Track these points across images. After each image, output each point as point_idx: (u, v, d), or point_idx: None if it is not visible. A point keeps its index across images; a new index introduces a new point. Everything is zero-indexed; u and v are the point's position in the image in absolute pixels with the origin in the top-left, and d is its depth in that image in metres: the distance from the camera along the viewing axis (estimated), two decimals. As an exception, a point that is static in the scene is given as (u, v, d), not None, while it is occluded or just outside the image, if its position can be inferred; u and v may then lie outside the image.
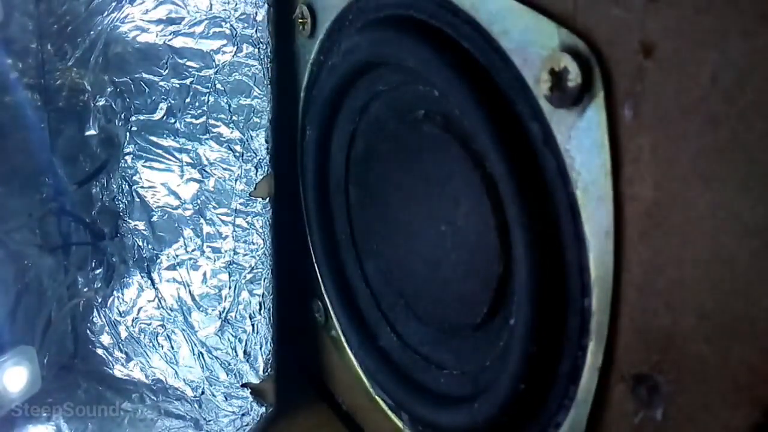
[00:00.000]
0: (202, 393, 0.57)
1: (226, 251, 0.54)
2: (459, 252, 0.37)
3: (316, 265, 0.51)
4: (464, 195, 0.35)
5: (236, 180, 0.52)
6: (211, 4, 0.50)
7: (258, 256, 0.52)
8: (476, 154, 0.34)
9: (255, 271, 0.52)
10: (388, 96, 0.40)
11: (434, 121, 0.37)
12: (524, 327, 0.30)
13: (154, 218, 0.58)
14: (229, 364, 0.55)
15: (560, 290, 0.29)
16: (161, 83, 0.54)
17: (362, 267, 0.46)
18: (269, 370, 0.53)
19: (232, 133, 0.51)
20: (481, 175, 0.33)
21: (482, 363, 0.36)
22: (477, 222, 0.35)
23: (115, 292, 0.61)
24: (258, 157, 0.50)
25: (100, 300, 0.61)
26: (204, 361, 0.57)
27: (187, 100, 0.53)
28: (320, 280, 0.51)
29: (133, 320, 0.60)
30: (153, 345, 0.59)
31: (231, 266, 0.54)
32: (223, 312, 0.55)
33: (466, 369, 0.38)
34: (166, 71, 0.53)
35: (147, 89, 0.55)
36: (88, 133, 0.58)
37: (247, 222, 0.52)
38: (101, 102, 0.57)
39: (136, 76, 0.55)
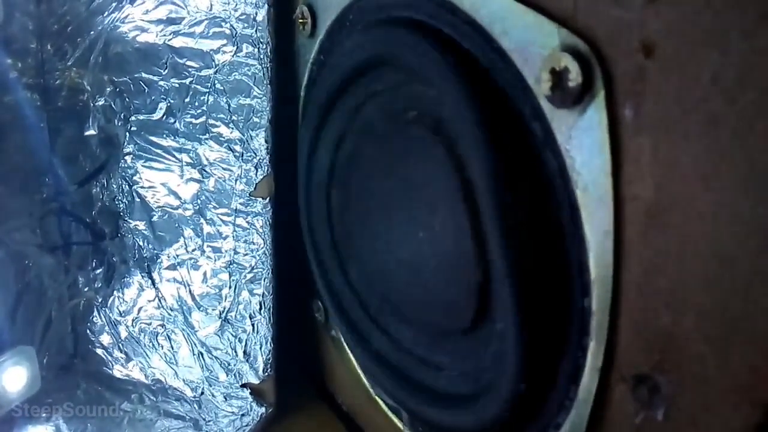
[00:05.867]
0: (202, 393, 0.57)
1: (226, 251, 0.54)
2: (438, 259, 0.36)
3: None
4: (442, 201, 0.34)
5: (236, 180, 0.52)
6: (211, 4, 0.50)
7: (258, 255, 0.52)
8: (458, 159, 0.32)
9: (255, 270, 0.52)
10: (383, 97, 0.39)
11: (424, 122, 0.36)
12: (513, 331, 0.30)
13: (155, 218, 0.58)
14: (229, 364, 0.55)
15: (555, 292, 0.29)
16: (161, 83, 0.54)
17: (345, 272, 0.45)
18: (269, 370, 0.53)
19: (231, 133, 0.51)
20: (460, 179, 0.32)
21: (479, 364, 0.35)
22: (454, 230, 0.34)
23: (115, 292, 0.61)
24: (258, 157, 0.50)
25: (100, 300, 0.61)
26: (204, 361, 0.57)
27: (187, 99, 0.53)
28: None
29: (133, 320, 0.60)
30: (153, 345, 0.59)
31: (231, 266, 0.54)
32: (223, 312, 0.55)
33: (463, 370, 0.37)
34: (166, 71, 0.53)
35: (147, 89, 0.55)
36: (87, 133, 0.58)
37: (247, 222, 0.52)
38: (101, 102, 0.57)
39: (136, 75, 0.55)
